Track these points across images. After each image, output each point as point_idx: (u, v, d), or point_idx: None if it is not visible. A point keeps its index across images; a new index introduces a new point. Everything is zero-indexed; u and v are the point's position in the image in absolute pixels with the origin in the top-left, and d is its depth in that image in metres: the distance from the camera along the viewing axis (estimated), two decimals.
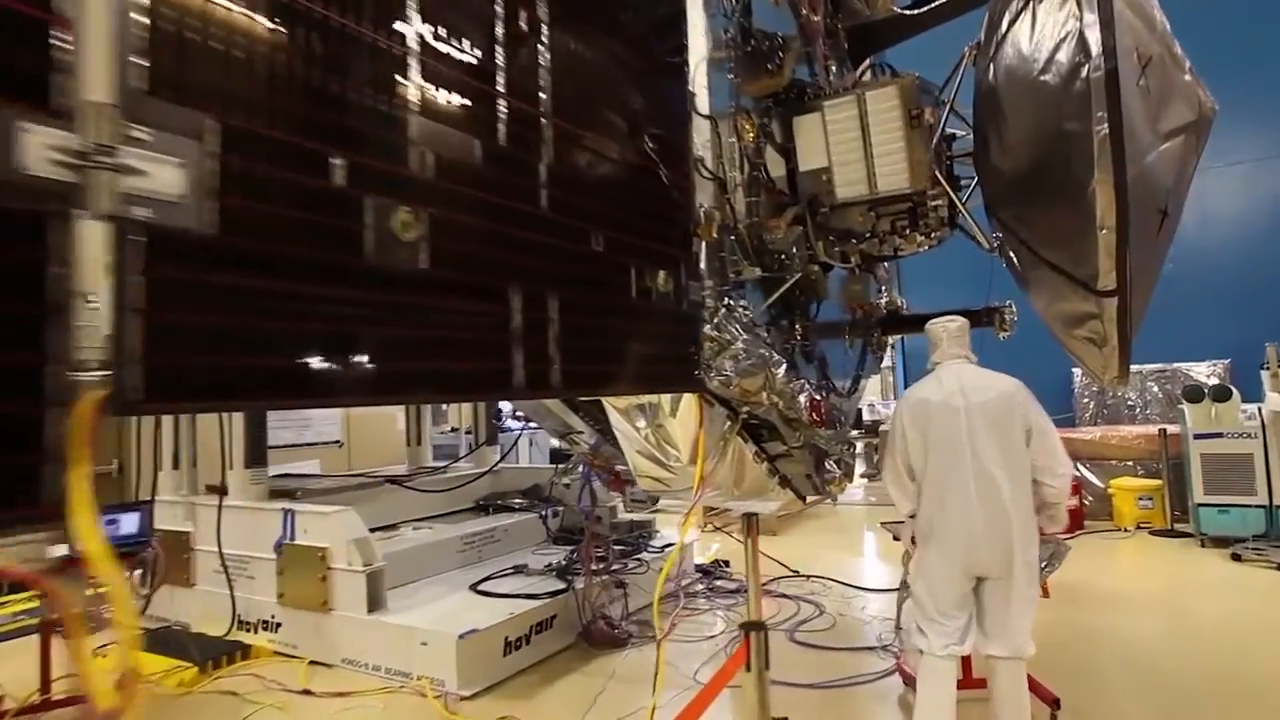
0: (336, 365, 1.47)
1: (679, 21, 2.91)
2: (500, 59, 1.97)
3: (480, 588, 4.99)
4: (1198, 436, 7.26)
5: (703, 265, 2.94)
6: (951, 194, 3.61)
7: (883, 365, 7.06)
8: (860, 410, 11.33)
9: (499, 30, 1.97)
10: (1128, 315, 2.88)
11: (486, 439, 7.46)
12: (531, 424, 7.84)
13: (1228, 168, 9.40)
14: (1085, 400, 10.10)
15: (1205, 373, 9.29)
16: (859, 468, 11.54)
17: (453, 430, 9.33)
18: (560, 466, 6.44)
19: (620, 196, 2.47)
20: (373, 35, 1.61)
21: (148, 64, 1.20)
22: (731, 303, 3.05)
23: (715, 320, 2.95)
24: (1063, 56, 2.70)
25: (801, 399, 3.24)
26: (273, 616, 4.88)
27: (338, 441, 10.00)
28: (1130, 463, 8.46)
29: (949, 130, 3.74)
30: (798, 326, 3.66)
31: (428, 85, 1.73)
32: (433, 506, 6.32)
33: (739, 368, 2.94)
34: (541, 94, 2.11)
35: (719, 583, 6.19)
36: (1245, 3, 9.59)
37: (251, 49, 1.39)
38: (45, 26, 1.10)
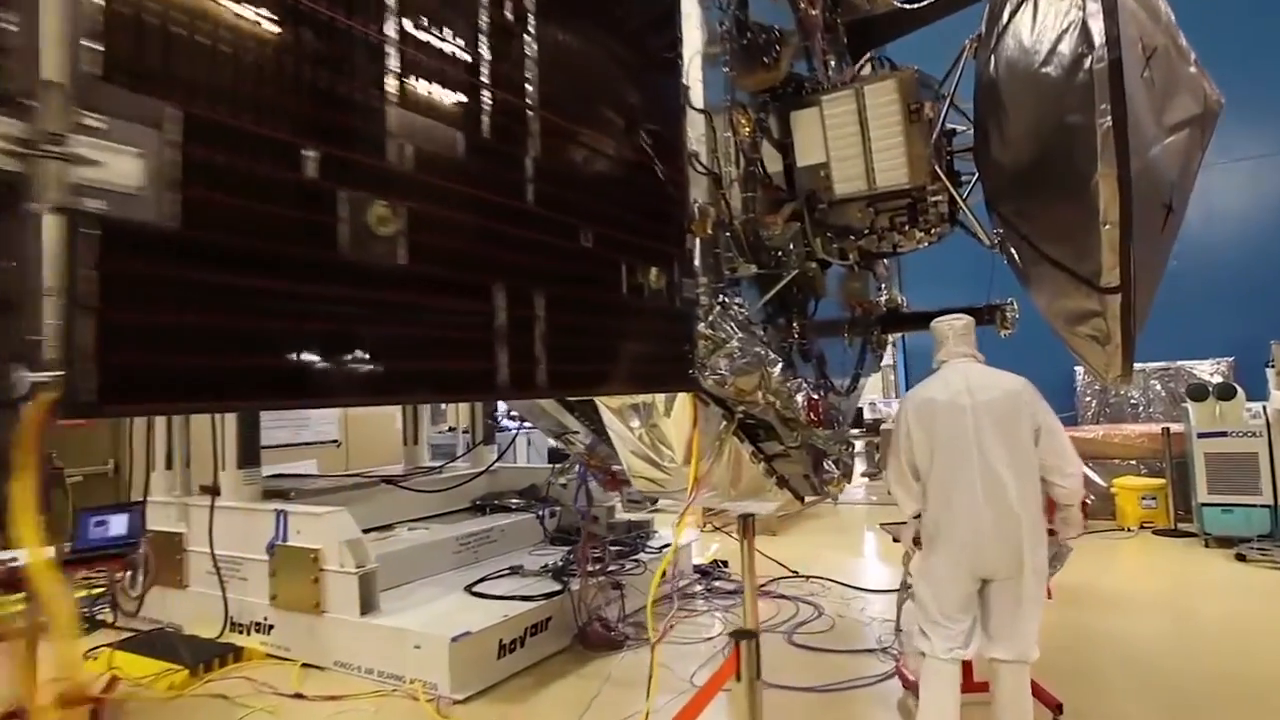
0: (307, 364, 1.41)
1: (673, 14, 2.85)
2: (484, 49, 1.91)
3: (475, 589, 4.94)
4: (1202, 435, 7.19)
5: (697, 262, 2.88)
6: (951, 189, 3.55)
7: (883, 364, 7.01)
8: (860, 409, 11.29)
9: (483, 19, 1.92)
10: (1131, 312, 2.81)
11: (483, 438, 7.40)
12: (527, 424, 7.78)
13: (1232, 164, 9.31)
14: (1088, 399, 10.03)
15: (1209, 371, 9.21)
16: (859, 467, 11.50)
17: (450, 430, 9.28)
18: (557, 466, 6.38)
19: (611, 191, 2.41)
20: (347, 21, 1.55)
21: (101, 48, 1.14)
22: (726, 300, 2.99)
23: (710, 318, 2.89)
24: (1065, 48, 2.64)
25: (799, 398, 3.18)
26: (265, 618, 4.83)
27: (335, 441, 9.97)
28: (1133, 462, 8.39)
29: (949, 125, 3.68)
30: (795, 324, 3.60)
31: (407, 75, 1.68)
32: (429, 507, 6.27)
33: (734, 366, 2.88)
34: (528, 86, 2.05)
35: (717, 583, 6.13)
36: None
37: (217, 34, 1.33)
38: None
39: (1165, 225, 3.02)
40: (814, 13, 4.14)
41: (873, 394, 13.47)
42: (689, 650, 4.62)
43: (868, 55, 4.65)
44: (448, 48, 1.80)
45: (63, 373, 1.09)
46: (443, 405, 9.37)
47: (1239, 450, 7.00)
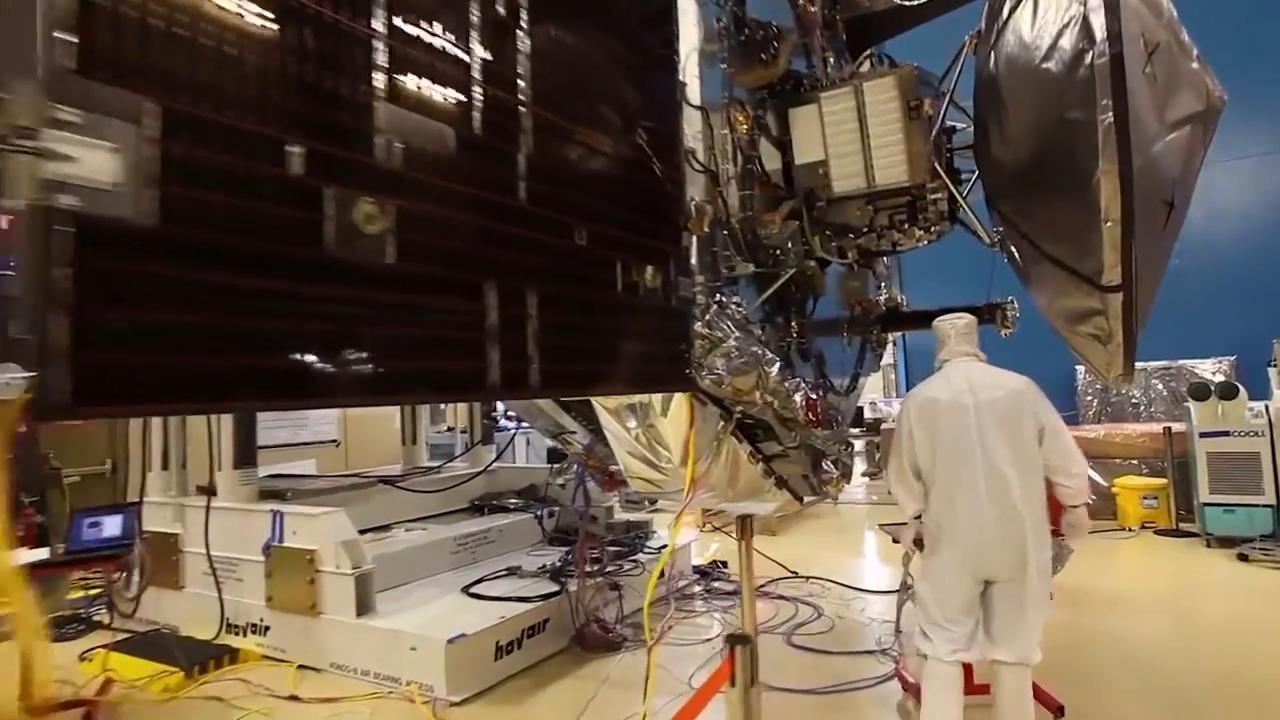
0: (290, 365, 1.38)
1: (670, 9, 2.82)
2: (476, 43, 1.87)
3: (472, 590, 4.91)
4: (1203, 435, 7.15)
5: (693, 260, 2.85)
6: (951, 187, 3.52)
7: (884, 362, 6.97)
8: (861, 408, 11.27)
9: (474, 13, 1.88)
10: (1133, 311, 2.78)
11: (482, 438, 7.37)
12: (525, 424, 7.76)
13: (1234, 162, 9.27)
14: (1089, 398, 10.00)
15: (1211, 370, 9.18)
16: (859, 466, 11.48)
17: (449, 429, 9.25)
18: (555, 466, 6.35)
19: (605, 189, 2.38)
20: (334, 14, 1.52)
21: (76, 40, 1.11)
22: (724, 299, 2.96)
23: (706, 317, 2.86)
24: (1066, 43, 2.60)
25: (797, 398, 3.15)
26: (261, 620, 4.80)
27: (334, 441, 9.95)
28: (1135, 461, 8.35)
29: (949, 122, 3.64)
30: (793, 323, 3.57)
31: (394, 69, 1.65)
32: (427, 507, 6.24)
33: (731, 366, 2.85)
34: (520, 81, 2.02)
35: (716, 584, 6.10)
36: None
37: (197, 26, 1.30)
38: None
39: (1167, 223, 2.98)
40: (813, 9, 4.12)
41: (873, 393, 13.45)
42: (687, 652, 4.59)
43: (867, 52, 4.62)
44: (438, 42, 1.77)
45: (35, 373, 1.06)
46: (441, 405, 9.34)
47: (1241, 450, 6.96)
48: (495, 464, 7.09)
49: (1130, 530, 7.74)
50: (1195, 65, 3.03)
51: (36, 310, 1.06)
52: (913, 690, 3.81)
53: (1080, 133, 2.58)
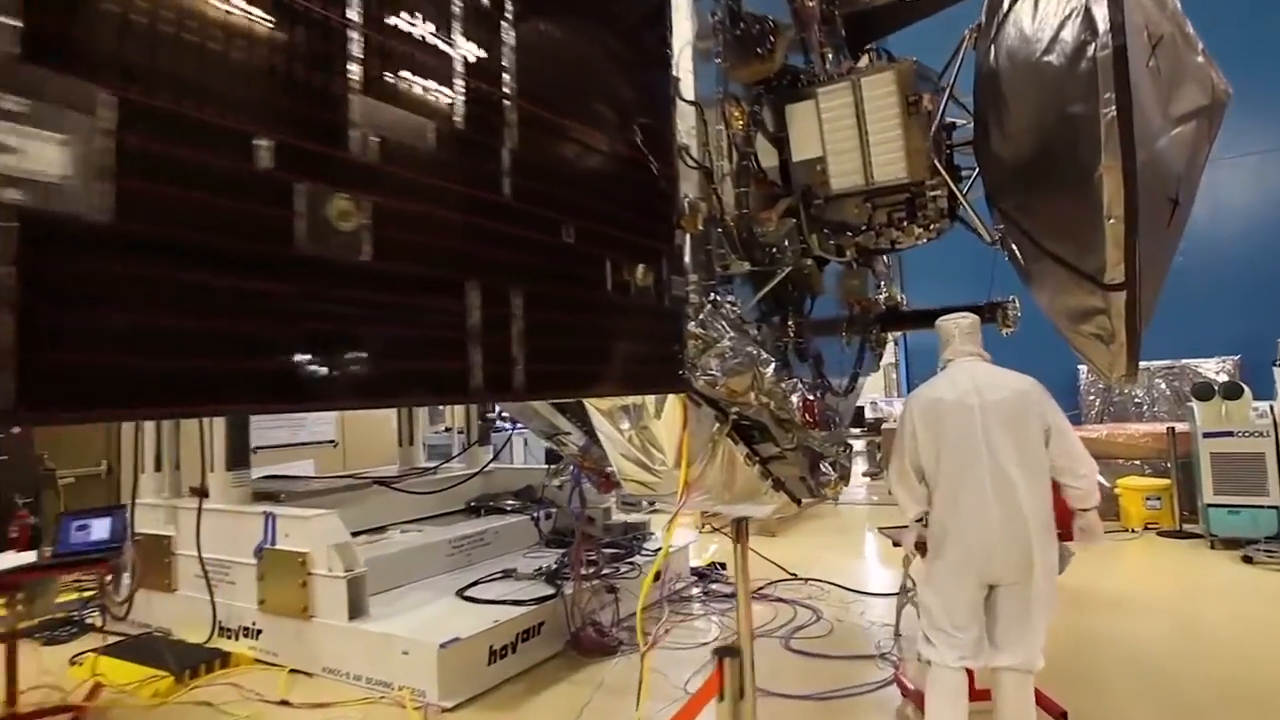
0: (256, 367, 1.32)
1: (663, 2, 2.76)
2: (457, 33, 1.82)
3: (467, 593, 4.85)
4: (1207, 435, 7.09)
5: (687, 259, 2.79)
6: (951, 184, 3.46)
7: (885, 362, 6.90)
8: (861, 408, 11.20)
9: (456, 2, 1.82)
10: (1137, 310, 2.72)
11: (479, 439, 7.31)
12: (519, 425, 7.70)
13: (1239, 159, 9.20)
14: (1091, 398, 9.93)
15: (1215, 369, 9.11)
16: (860, 466, 11.42)
17: (446, 430, 9.20)
18: (552, 468, 6.29)
19: (595, 185, 2.31)
20: (305, 2, 1.46)
21: (21, 24, 1.06)
22: (718, 298, 2.91)
23: (700, 317, 2.81)
24: (1067, 35, 2.54)
25: (794, 399, 3.09)
26: (254, 623, 4.76)
27: (332, 441, 9.92)
28: (1137, 462, 8.29)
29: (949, 118, 3.58)
30: (790, 323, 3.51)
31: (371, 60, 1.59)
32: (423, 508, 6.19)
33: (725, 366, 2.79)
34: (505, 74, 1.96)
35: (715, 586, 6.04)
36: None
37: (158, 12, 1.24)
38: None
39: (1171, 220, 2.92)
40: (810, 4, 4.05)
41: (874, 393, 13.40)
42: (684, 656, 4.53)
43: (867, 48, 4.56)
44: (417, 32, 1.71)
45: None
46: (439, 406, 9.29)
47: (1245, 450, 6.89)
48: (492, 465, 7.03)
49: (1133, 531, 7.67)
50: (1200, 59, 2.97)
51: None
52: (912, 696, 3.75)
53: (1082, 127, 2.51)
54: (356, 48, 1.56)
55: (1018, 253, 3.45)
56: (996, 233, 3.57)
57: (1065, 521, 3.25)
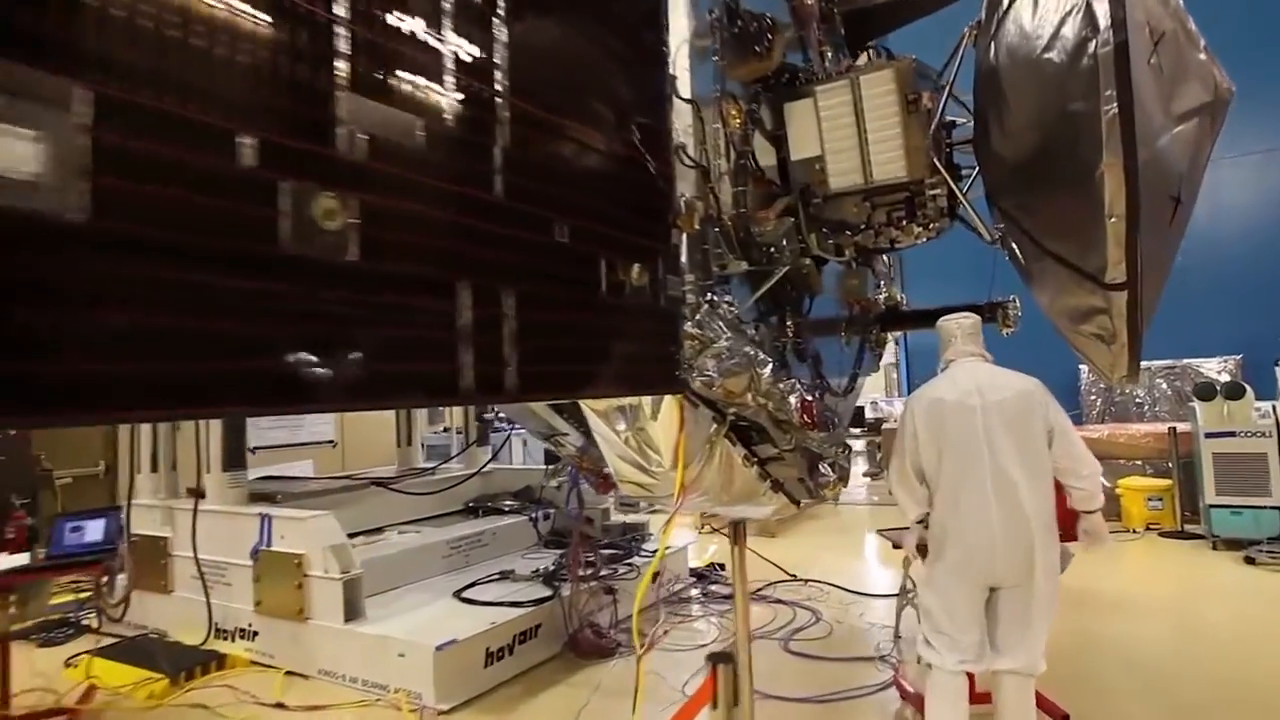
0: (234, 369, 1.29)
1: None
2: (448, 29, 1.79)
3: (464, 595, 4.83)
4: (1209, 435, 7.05)
5: (683, 258, 2.76)
6: (951, 183, 3.43)
7: (886, 361, 6.87)
8: (861, 408, 11.17)
9: None
10: (1138, 310, 2.68)
11: (477, 439, 7.28)
12: (516, 426, 7.67)
13: (1240, 158, 9.15)
14: (1092, 397, 9.89)
15: (1216, 369, 9.07)
16: (860, 466, 11.39)
17: (445, 430, 9.18)
18: (550, 468, 6.27)
19: (589, 184, 2.29)
20: None
21: None
22: (715, 298, 2.88)
23: (697, 317, 2.78)
24: (1068, 31, 2.51)
25: (792, 400, 3.06)
26: (250, 625, 4.73)
27: (331, 442, 9.90)
28: (1139, 462, 8.25)
29: (949, 116, 3.55)
30: (789, 323, 3.48)
31: (359, 55, 1.56)
32: (420, 509, 6.16)
33: (722, 367, 2.76)
34: (497, 71, 1.93)
35: (714, 587, 6.01)
36: None
37: (136, 5, 1.21)
38: None
39: (1173, 218, 2.88)
40: (809, 2, 4.02)
41: (875, 392, 13.37)
42: (682, 658, 4.51)
43: (866, 47, 4.53)
44: (405, 28, 1.68)
45: None
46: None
47: (1248, 451, 6.85)
48: (491, 465, 7.00)
49: (1135, 532, 7.64)
50: (1202, 55, 2.93)
51: None
52: (912, 699, 3.72)
53: (1083, 125, 2.48)
54: (344, 43, 1.54)
55: (1018, 252, 3.42)
56: (996, 232, 3.54)
57: (1066, 522, 3.22)
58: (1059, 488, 3.13)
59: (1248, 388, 7.13)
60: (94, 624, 5.41)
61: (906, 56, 3.44)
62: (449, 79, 1.78)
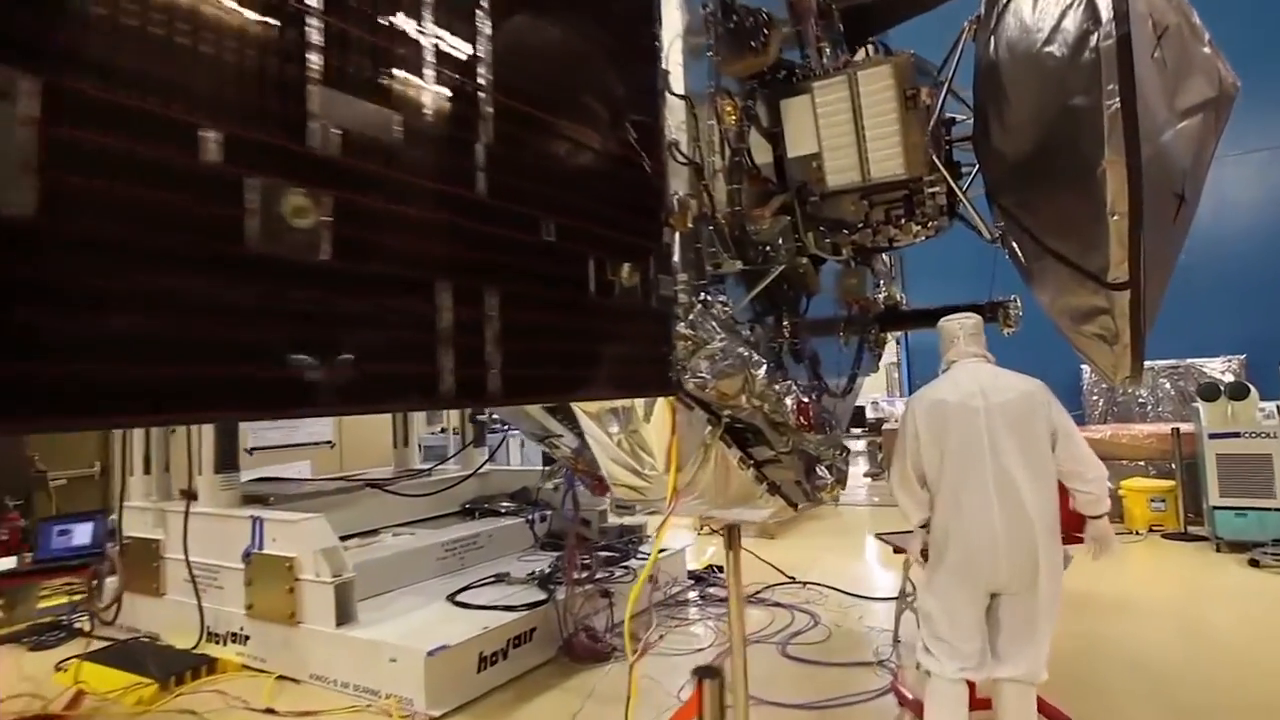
0: (197, 373, 1.24)
1: None
2: (427, 20, 1.73)
3: (458, 598, 4.77)
4: (1213, 436, 6.97)
5: (676, 258, 2.70)
6: (950, 181, 3.37)
7: (886, 361, 6.80)
8: (862, 408, 11.11)
9: None
10: (1141, 310, 2.62)
11: (474, 440, 7.23)
12: (511, 427, 7.62)
13: (1244, 155, 9.08)
14: (1095, 398, 9.82)
15: (1220, 369, 8.99)
16: (862, 467, 11.33)
17: (442, 431, 9.13)
18: (546, 469, 6.21)
19: (578, 181, 2.23)
20: None
21: None
22: (709, 298, 2.82)
23: (690, 317, 2.72)
24: (1069, 24, 2.45)
25: (788, 401, 3.00)
26: (241, 629, 4.68)
27: (329, 442, 9.85)
28: (1142, 463, 8.18)
29: (948, 113, 3.49)
30: (786, 323, 3.42)
31: (331, 47, 1.50)
32: (416, 511, 6.10)
33: (715, 369, 2.70)
34: (479, 64, 1.87)
35: (712, 590, 5.95)
36: None
37: None
38: None
39: (1177, 216, 2.82)
40: None
41: (876, 392, 13.31)
42: (680, 662, 4.45)
43: (866, 41, 4.47)
44: (382, 19, 1.63)
45: None
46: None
47: (1252, 452, 6.77)
48: (487, 466, 6.95)
49: (1137, 534, 7.57)
50: (1207, 50, 2.87)
51: None
52: (910, 706, 3.67)
53: (1085, 120, 2.42)
54: (316, 34, 1.48)
55: (1018, 251, 3.36)
56: (997, 230, 3.48)
57: (1068, 525, 3.16)
58: (1062, 490, 3.07)
59: (1252, 388, 7.05)
60: (86, 627, 5.35)
61: (905, 52, 3.37)
62: (428, 72, 1.73)
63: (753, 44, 3.34)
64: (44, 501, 7.13)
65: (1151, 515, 7.66)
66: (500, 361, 1.84)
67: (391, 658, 3.98)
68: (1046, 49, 2.55)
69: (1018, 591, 2.91)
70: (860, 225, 3.56)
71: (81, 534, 3.81)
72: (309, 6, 1.47)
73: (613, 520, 6.24)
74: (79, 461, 7.71)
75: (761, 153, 3.46)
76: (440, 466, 7.13)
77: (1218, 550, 6.77)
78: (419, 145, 1.69)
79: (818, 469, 3.36)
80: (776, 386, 2.93)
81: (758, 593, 5.77)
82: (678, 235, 2.71)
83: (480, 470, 6.75)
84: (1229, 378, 8.23)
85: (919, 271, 7.99)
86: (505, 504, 6.45)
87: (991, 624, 2.98)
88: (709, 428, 3.00)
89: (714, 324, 2.77)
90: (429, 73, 1.73)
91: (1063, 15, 2.48)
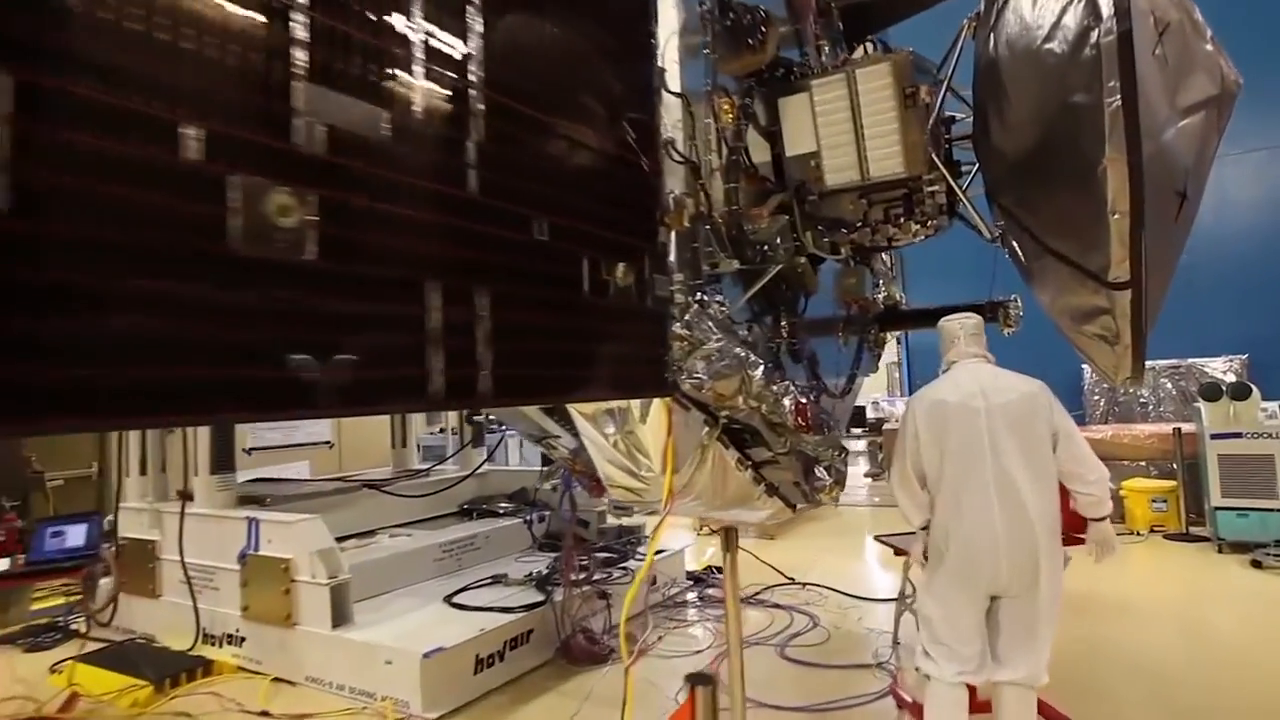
0: (173, 376, 1.21)
1: None
2: (417, 14, 1.70)
3: (455, 600, 4.75)
4: (1215, 436, 6.93)
5: (672, 257, 2.68)
6: (950, 179, 3.34)
7: (887, 361, 6.78)
8: (863, 408, 11.08)
9: None
10: (1143, 310, 2.59)
11: (472, 440, 7.20)
12: (508, 428, 7.58)
13: (1245, 154, 9.04)
14: (1096, 398, 9.78)
15: (1222, 369, 8.95)
16: (862, 467, 11.29)
17: (441, 431, 9.10)
18: (544, 470, 6.18)
19: (571, 180, 2.20)
20: None
21: None
22: (705, 298, 2.79)
23: (686, 317, 2.69)
24: (1070, 20, 2.42)
25: (786, 402, 2.97)
26: (237, 630, 4.65)
27: (328, 442, 9.83)
28: (1143, 463, 8.15)
29: (948, 111, 3.47)
30: (784, 323, 3.39)
31: (317, 42, 1.47)
32: (413, 511, 6.08)
33: (712, 369, 2.68)
34: (470, 59, 1.84)
35: (711, 591, 5.92)
36: None
37: None
38: None
39: (1179, 215, 2.79)
40: None
41: (876, 392, 13.27)
42: (679, 665, 4.42)
43: (865, 40, 4.44)
44: (371, 14, 1.60)
45: None
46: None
47: (1254, 452, 6.74)
48: (486, 467, 6.92)
49: (1139, 534, 7.54)
50: (1209, 47, 2.84)
51: None
52: (909, 709, 3.64)
53: (1085, 118, 2.39)
54: (301, 29, 1.45)
55: (1018, 250, 3.33)
56: (997, 230, 3.46)
57: (1066, 525, 3.14)
58: (1062, 491, 3.04)
59: (1254, 388, 7.02)
60: (82, 629, 5.33)
61: (904, 50, 3.35)
62: (418, 68, 1.70)
63: (750, 42, 3.31)
64: (41, 502, 7.10)
65: (1153, 516, 7.62)
66: (491, 362, 1.81)
67: (387, 660, 3.96)
68: (1047, 46, 2.52)
69: (1018, 594, 2.88)
70: (859, 224, 3.53)
71: (75, 536, 3.79)
72: (295, 1, 1.44)
73: (611, 521, 6.21)
74: (77, 462, 7.69)
75: (759, 151, 3.43)
76: (439, 467, 7.10)
77: (1219, 551, 6.74)
78: (407, 142, 1.67)
79: (816, 470, 3.33)
80: (774, 387, 2.90)
81: (757, 594, 5.74)
82: (674, 234, 2.68)
83: (478, 471, 6.73)
84: (1231, 378, 8.20)
85: (919, 271, 7.96)
86: (504, 505, 6.43)
87: (991, 627, 2.96)
88: (706, 429, 2.97)
89: (710, 324, 2.74)
90: (418, 68, 1.70)
91: (1063, 11, 2.45)
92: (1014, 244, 3.36)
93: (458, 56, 1.81)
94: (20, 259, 1.06)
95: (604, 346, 2.29)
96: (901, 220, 3.48)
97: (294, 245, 1.40)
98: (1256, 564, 6.24)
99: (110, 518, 5.23)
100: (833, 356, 4.03)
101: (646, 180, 2.51)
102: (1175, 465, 7.70)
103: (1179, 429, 7.78)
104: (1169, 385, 9.30)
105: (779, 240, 3.31)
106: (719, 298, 2.85)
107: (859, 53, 4.21)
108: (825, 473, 3.37)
